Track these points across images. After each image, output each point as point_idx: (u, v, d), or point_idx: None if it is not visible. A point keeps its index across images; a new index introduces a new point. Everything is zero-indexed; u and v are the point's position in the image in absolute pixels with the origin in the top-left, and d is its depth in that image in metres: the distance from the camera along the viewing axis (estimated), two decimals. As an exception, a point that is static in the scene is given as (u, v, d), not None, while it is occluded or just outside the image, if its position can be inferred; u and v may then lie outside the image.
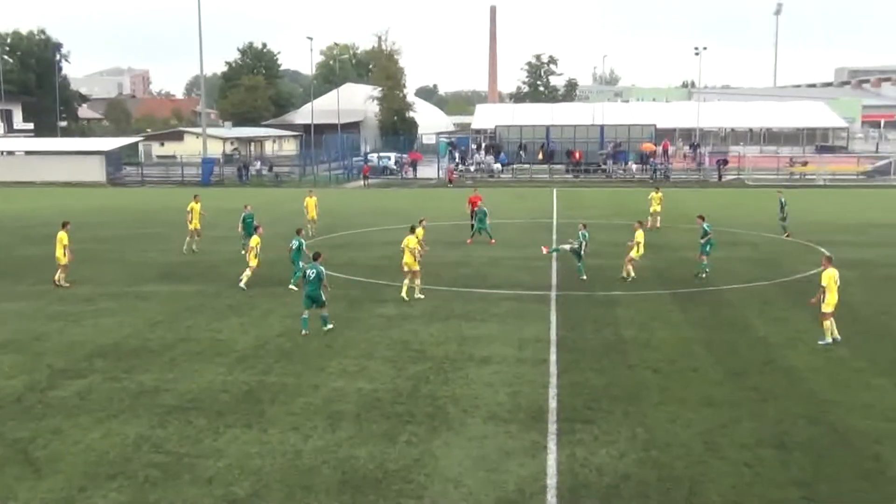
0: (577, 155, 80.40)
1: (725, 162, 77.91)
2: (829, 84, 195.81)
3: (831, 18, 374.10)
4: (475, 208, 37.08)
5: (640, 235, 27.02)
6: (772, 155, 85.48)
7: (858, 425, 14.39)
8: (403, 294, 24.12)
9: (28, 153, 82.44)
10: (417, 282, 24.40)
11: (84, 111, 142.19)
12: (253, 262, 25.81)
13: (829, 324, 19.50)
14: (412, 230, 25.39)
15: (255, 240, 26.28)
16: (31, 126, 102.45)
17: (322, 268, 20.63)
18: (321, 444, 13.69)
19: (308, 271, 20.56)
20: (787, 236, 36.22)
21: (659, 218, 40.94)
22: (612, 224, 42.06)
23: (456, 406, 15.45)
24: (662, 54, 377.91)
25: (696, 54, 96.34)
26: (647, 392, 16.23)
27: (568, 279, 27.36)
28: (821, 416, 14.81)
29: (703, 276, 27.51)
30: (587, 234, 27.72)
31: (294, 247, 26.05)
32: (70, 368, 17.91)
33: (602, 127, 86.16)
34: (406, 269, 24.26)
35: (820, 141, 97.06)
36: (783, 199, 37.74)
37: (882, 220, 43.43)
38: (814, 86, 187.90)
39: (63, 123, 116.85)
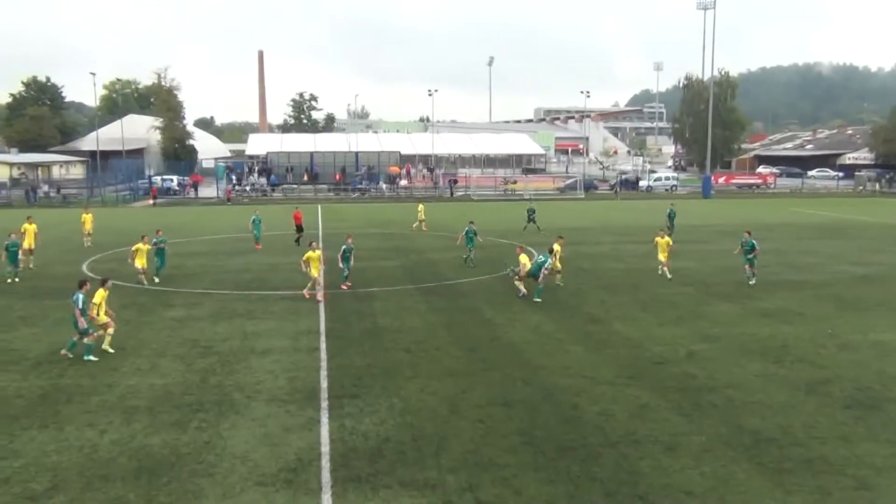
0: (338, 177, 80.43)
1: (455, 181, 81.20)
2: (531, 120, 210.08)
3: (531, 70, 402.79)
4: (298, 223, 37.87)
5: (557, 247, 25.69)
6: (490, 175, 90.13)
7: (561, 383, 15.51)
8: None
9: None
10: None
11: None
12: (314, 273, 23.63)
13: (520, 283, 23.71)
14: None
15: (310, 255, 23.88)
16: None
17: (83, 295, 17.09)
18: (117, 436, 12.65)
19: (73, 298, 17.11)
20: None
21: (422, 224, 43.84)
22: (368, 233, 42.46)
23: (241, 392, 14.89)
24: (403, 94, 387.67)
25: (430, 95, 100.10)
26: (401, 368, 16.51)
27: (333, 279, 27.17)
28: (534, 378, 15.80)
29: (752, 283, 25.94)
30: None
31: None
32: None
33: (357, 153, 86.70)
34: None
35: (525, 164, 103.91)
36: (673, 210, 40.36)
37: (572, 224, 47.00)
38: (519, 121, 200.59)
39: None
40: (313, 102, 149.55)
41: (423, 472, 11.28)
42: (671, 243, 27.96)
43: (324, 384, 15.40)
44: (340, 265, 25.96)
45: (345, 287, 25.43)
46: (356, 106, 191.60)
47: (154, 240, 27.78)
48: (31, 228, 30.19)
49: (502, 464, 11.58)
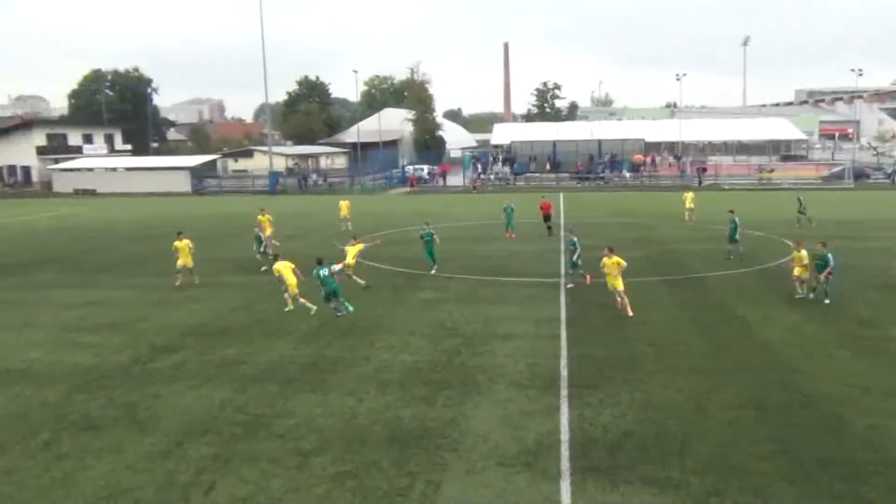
0: (579, 165, 79.95)
1: (704, 170, 76.99)
2: (791, 103, 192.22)
3: (791, 47, 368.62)
4: (546, 213, 37.26)
5: (803, 255, 22.17)
6: (743, 163, 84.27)
7: (823, 390, 14.14)
8: None
9: (127, 169, 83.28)
10: None
11: (172, 134, 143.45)
12: None
13: (797, 285, 21.98)
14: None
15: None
16: (129, 147, 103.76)
17: (325, 270, 20.47)
18: (373, 406, 13.70)
19: (321, 272, 20.45)
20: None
21: (692, 213, 41.86)
22: (610, 222, 41.71)
23: (483, 374, 15.39)
24: (649, 80, 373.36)
25: (678, 80, 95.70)
26: (644, 362, 16.06)
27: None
28: (792, 383, 14.57)
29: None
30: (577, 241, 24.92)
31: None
32: (167, 345, 18.09)
33: (599, 141, 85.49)
34: None
35: (784, 151, 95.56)
36: (801, 198, 39.44)
37: (838, 216, 42.68)
38: (777, 105, 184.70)
39: (155, 144, 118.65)
40: (556, 91, 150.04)
41: (666, 470, 10.88)
42: None
43: (563, 372, 15.42)
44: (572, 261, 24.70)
45: (587, 281, 24.22)
46: (600, 93, 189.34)
47: (420, 232, 28.13)
48: (265, 220, 32.37)
49: (752, 471, 10.82)
